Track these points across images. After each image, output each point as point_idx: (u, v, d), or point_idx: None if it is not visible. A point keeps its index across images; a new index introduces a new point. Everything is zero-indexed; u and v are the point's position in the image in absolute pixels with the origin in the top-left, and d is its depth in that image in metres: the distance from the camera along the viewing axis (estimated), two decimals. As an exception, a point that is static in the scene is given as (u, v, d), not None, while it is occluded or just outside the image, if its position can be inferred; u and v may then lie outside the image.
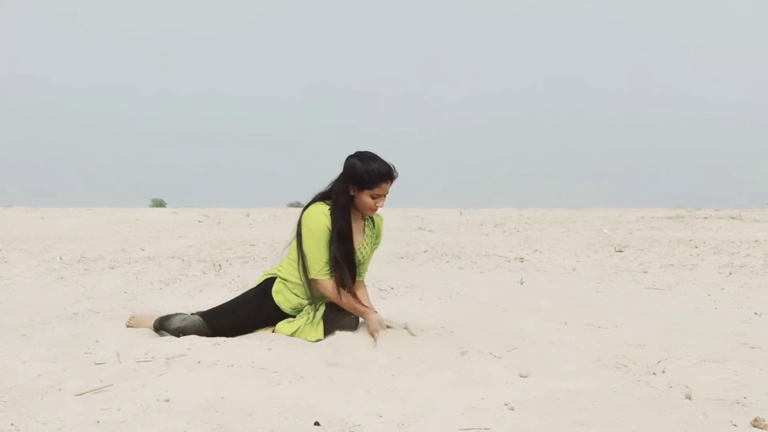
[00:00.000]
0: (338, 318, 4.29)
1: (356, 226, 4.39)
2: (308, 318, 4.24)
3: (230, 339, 4.04)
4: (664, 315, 5.57)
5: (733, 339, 4.55)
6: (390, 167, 4.25)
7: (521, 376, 3.56)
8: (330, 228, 4.24)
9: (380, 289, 6.33)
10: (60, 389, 3.24)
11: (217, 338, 4.04)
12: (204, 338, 4.03)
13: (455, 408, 3.08)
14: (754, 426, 2.95)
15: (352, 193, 4.26)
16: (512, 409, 3.08)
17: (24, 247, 10.50)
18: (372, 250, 4.53)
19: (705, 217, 16.75)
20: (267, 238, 12.26)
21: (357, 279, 4.45)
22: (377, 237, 4.55)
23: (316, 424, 2.88)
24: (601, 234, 13.36)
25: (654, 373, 3.65)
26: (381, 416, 2.98)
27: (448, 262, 9.23)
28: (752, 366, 3.81)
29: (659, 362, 3.84)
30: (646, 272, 8.38)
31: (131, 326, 4.50)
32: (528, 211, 21.97)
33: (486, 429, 2.89)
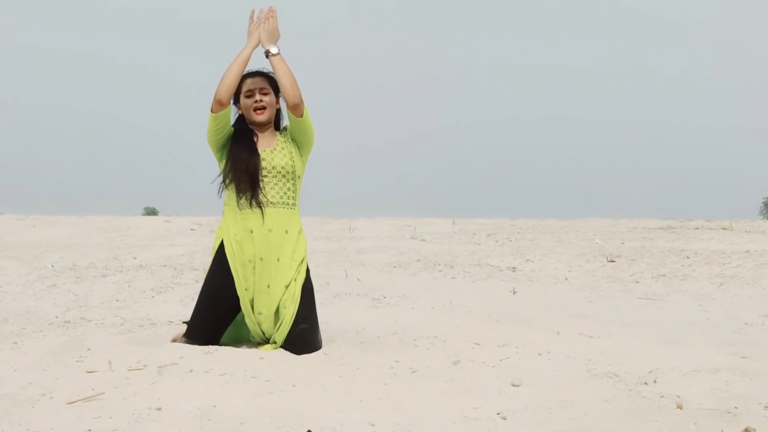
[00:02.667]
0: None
1: (265, 138, 4.25)
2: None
3: (222, 348, 4.02)
4: (656, 325, 5.58)
5: (724, 349, 4.56)
6: (250, 71, 4.22)
7: (513, 386, 3.56)
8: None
9: (373, 299, 6.34)
10: (51, 397, 3.23)
11: (210, 347, 4.03)
12: (196, 347, 4.02)
13: (448, 417, 3.09)
14: (746, 436, 2.96)
15: (240, 109, 4.24)
16: (504, 419, 3.09)
17: (15, 254, 10.46)
18: (292, 159, 4.22)
19: (696, 228, 16.78)
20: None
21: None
22: (297, 134, 4.24)
23: (309, 433, 2.88)
24: (594, 244, 13.37)
25: (645, 383, 3.65)
26: (373, 425, 2.98)
27: (440, 271, 9.23)
28: (743, 376, 3.82)
29: (651, 372, 3.84)
30: (637, 282, 8.40)
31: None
32: (520, 221, 21.97)
33: (478, 438, 2.89)
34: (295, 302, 4.09)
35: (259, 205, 4.10)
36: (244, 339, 4.28)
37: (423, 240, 14.26)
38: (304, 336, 4.07)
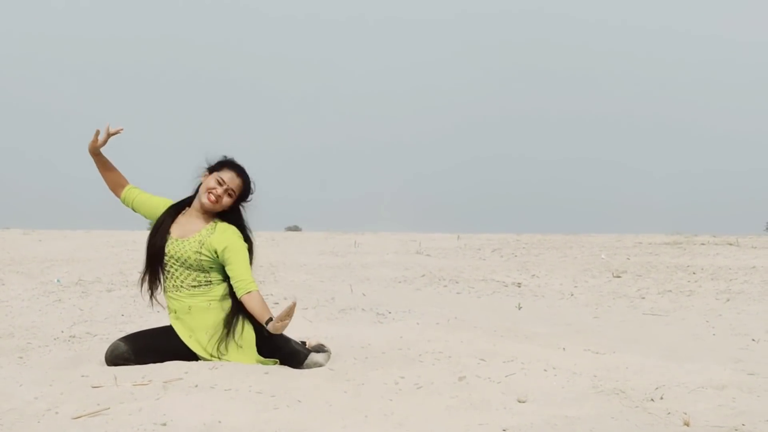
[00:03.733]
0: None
1: (194, 220, 4.25)
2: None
3: (228, 363, 4.03)
4: (662, 341, 5.56)
5: (730, 365, 4.54)
6: (243, 168, 4.29)
7: (519, 402, 3.55)
8: (163, 208, 4.33)
9: (378, 314, 6.33)
10: (57, 412, 3.23)
11: (215, 362, 4.04)
12: (201, 362, 4.03)
13: (453, 433, 3.08)
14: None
15: (201, 179, 4.25)
16: (510, 435, 3.08)
17: (21, 269, 10.48)
18: (198, 254, 4.16)
19: (702, 243, 16.74)
20: (265, 261, 12.26)
21: (237, 293, 4.15)
22: (219, 248, 4.15)
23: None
24: (599, 259, 13.34)
25: (652, 400, 3.64)
26: (378, 441, 2.97)
27: (445, 286, 9.23)
28: (750, 393, 3.81)
29: (657, 388, 3.83)
30: (643, 298, 8.38)
31: None
32: (525, 236, 21.94)
33: (484, 455, 2.88)
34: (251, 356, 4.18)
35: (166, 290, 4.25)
36: None
37: (428, 255, 14.26)
38: (285, 361, 4.17)
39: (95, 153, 4.33)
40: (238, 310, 4.18)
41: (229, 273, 4.19)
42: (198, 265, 4.16)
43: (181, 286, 4.19)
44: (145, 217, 4.41)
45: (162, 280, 4.26)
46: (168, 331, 4.23)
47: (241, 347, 4.15)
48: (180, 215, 4.29)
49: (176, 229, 4.23)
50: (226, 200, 4.20)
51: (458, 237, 20.39)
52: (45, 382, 3.72)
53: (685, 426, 3.23)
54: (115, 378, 3.68)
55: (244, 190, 4.26)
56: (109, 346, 4.15)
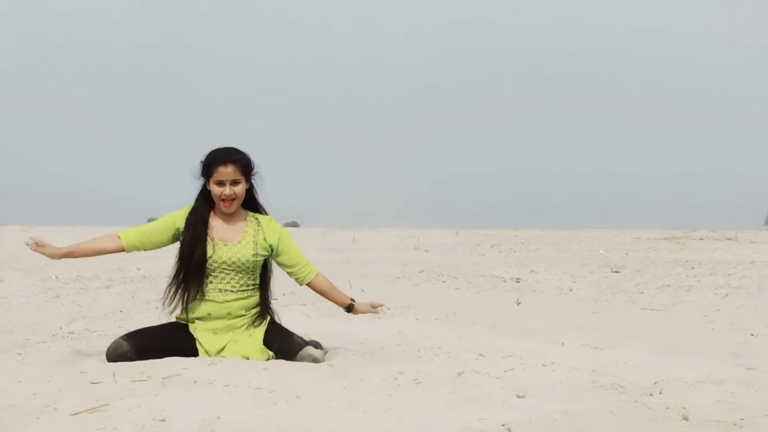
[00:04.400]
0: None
1: (227, 224, 4.21)
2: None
3: (227, 359, 4.03)
4: (661, 336, 5.57)
5: (729, 360, 4.55)
6: (227, 151, 4.15)
7: (518, 397, 3.55)
8: (176, 221, 4.20)
9: (377, 309, 6.33)
10: (56, 408, 3.22)
11: (214, 358, 4.03)
12: (200, 358, 4.03)
13: (452, 429, 3.08)
14: (751, 447, 2.95)
15: (208, 187, 4.17)
16: (509, 430, 3.08)
17: (20, 266, 10.49)
18: (255, 253, 4.19)
19: (701, 239, 16.78)
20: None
21: (303, 276, 4.32)
22: (273, 242, 4.25)
23: (313, 444, 2.87)
24: (598, 255, 13.37)
25: (651, 395, 3.64)
26: (377, 437, 2.97)
27: (444, 282, 9.24)
28: (749, 387, 3.81)
29: (656, 383, 3.84)
30: (642, 293, 8.39)
31: None
32: (524, 231, 21.98)
33: (483, 450, 2.88)
34: (256, 350, 4.15)
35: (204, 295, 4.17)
36: None
37: (426, 251, 14.28)
38: (280, 351, 4.13)
39: (64, 255, 4.23)
40: (266, 310, 4.25)
41: (287, 261, 4.28)
42: (253, 267, 4.18)
43: (230, 290, 4.16)
44: (161, 245, 4.29)
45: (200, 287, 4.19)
46: (172, 329, 4.23)
47: (251, 336, 4.16)
48: (210, 220, 4.21)
49: (216, 233, 4.17)
50: (239, 190, 4.13)
51: (457, 233, 20.42)
52: (44, 378, 3.71)
53: (684, 420, 3.23)
54: (114, 374, 3.67)
55: (244, 168, 4.15)
56: (111, 344, 4.12)
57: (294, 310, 5.81)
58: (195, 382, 3.55)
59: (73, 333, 5.35)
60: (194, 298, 4.17)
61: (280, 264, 4.32)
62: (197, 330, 4.17)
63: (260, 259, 4.19)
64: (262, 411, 3.19)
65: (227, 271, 4.15)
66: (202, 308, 4.17)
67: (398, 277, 9.67)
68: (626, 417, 3.28)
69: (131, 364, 3.94)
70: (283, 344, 4.13)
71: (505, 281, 9.44)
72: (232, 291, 4.16)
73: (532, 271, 10.66)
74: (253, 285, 4.23)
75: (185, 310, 4.21)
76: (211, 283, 4.16)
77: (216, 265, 4.14)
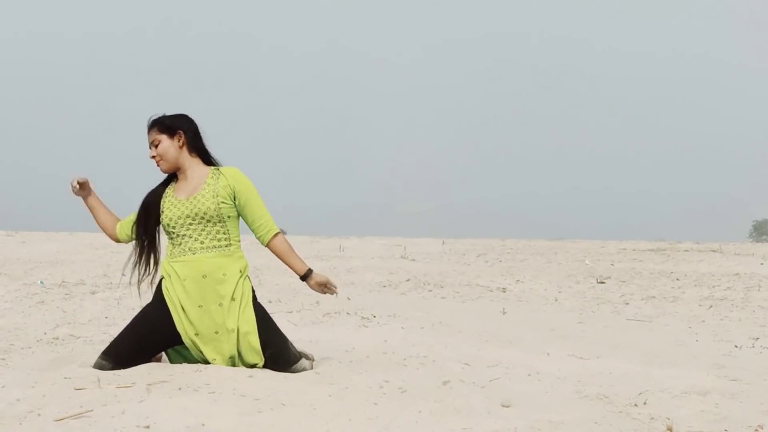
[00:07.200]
0: None
1: (189, 181, 4.23)
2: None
3: (212, 366, 4.01)
4: (646, 347, 5.59)
5: (713, 371, 4.57)
6: (149, 119, 4.28)
7: (503, 407, 3.56)
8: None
9: (362, 317, 6.33)
10: (39, 414, 3.21)
11: (199, 365, 4.02)
12: (187, 365, 4.01)
13: (437, 437, 3.08)
14: (735, 458, 2.96)
15: None
16: (494, 440, 3.08)
17: (4, 271, 10.43)
18: (217, 202, 4.14)
19: (686, 250, 16.85)
20: (250, 265, 12.22)
21: (261, 235, 4.25)
22: (234, 190, 4.18)
23: (298, 452, 2.87)
24: (583, 265, 13.40)
25: (635, 405, 3.66)
26: (363, 445, 2.97)
27: (430, 291, 9.24)
28: (733, 398, 3.83)
29: (640, 394, 3.85)
30: (627, 304, 8.42)
31: None
32: (510, 241, 22.02)
33: (468, 459, 2.89)
34: (251, 346, 4.07)
35: (176, 254, 4.16)
36: (192, 360, 4.18)
37: (413, 260, 14.28)
38: (276, 359, 4.07)
39: (90, 206, 4.38)
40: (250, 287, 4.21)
41: (248, 215, 4.21)
42: (218, 215, 4.11)
43: (201, 248, 4.11)
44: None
45: (157, 252, 4.27)
46: (146, 321, 4.13)
47: (234, 329, 4.06)
48: (173, 185, 4.27)
49: (178, 194, 4.21)
50: (160, 150, 4.18)
51: (443, 242, 20.43)
52: (27, 383, 3.69)
53: (669, 431, 3.24)
54: (99, 380, 3.66)
55: (162, 127, 4.21)
56: (93, 366, 4.03)
57: (281, 317, 5.79)
58: (180, 389, 3.54)
59: (57, 339, 5.32)
60: (155, 266, 4.27)
61: (244, 219, 4.24)
62: (176, 300, 4.09)
63: (224, 207, 4.12)
64: (247, 419, 3.18)
65: (193, 226, 4.11)
66: (181, 266, 4.10)
67: (384, 286, 9.67)
68: (611, 427, 3.29)
69: (116, 370, 3.93)
70: (278, 351, 4.08)
71: (490, 291, 9.46)
72: (202, 248, 4.11)
73: (518, 280, 10.69)
74: (225, 239, 4.15)
75: (164, 274, 4.17)
76: (180, 244, 4.13)
77: (181, 221, 4.12)
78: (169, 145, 4.19)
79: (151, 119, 4.25)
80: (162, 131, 4.20)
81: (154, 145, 4.20)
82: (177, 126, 4.22)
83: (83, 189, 4.31)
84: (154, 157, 4.21)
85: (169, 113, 4.29)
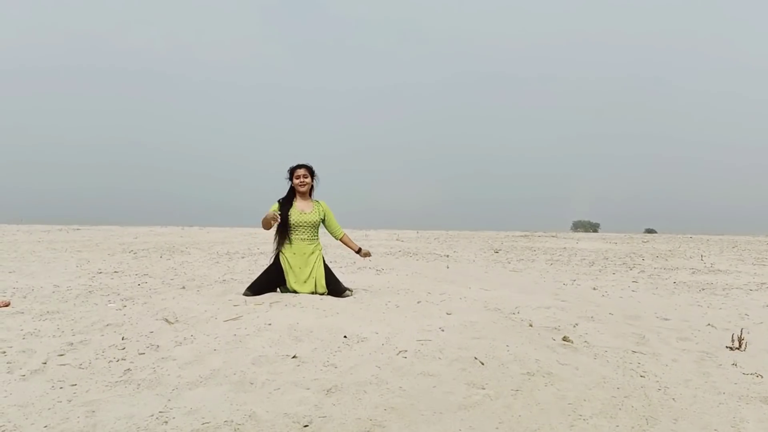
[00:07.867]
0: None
1: (304, 203, 4.10)
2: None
3: (301, 294, 3.96)
4: (519, 284, 5.56)
5: (552, 296, 4.55)
6: (299, 164, 4.10)
7: (447, 314, 3.55)
8: (276, 207, 4.08)
9: (377, 270, 6.31)
10: (215, 317, 3.22)
11: (296, 293, 3.97)
12: (289, 294, 3.97)
13: (414, 329, 3.07)
14: (564, 340, 2.95)
15: (291, 183, 4.12)
16: (443, 330, 3.08)
17: (198, 246, 10.42)
18: (318, 218, 4.08)
19: (539, 236, 16.73)
20: (323, 244, 12.19)
21: (336, 235, 4.17)
22: (324, 213, 4.14)
23: (345, 337, 2.87)
24: (488, 243, 13.34)
25: (513, 313, 3.64)
26: (377, 333, 2.96)
27: (411, 257, 9.19)
28: (562, 311, 3.81)
29: (516, 308, 3.83)
30: (509, 262, 8.36)
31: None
32: (452, 232, 21.90)
33: (429, 340, 2.88)
34: (321, 284, 4.00)
35: (292, 242, 4.03)
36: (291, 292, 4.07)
37: (402, 241, 14.22)
38: (334, 290, 4.04)
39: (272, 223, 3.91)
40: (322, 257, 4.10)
41: (329, 224, 4.16)
42: (317, 224, 4.09)
43: (307, 238, 4.05)
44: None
45: (289, 236, 4.07)
46: (270, 272, 4.03)
47: (315, 278, 4.01)
48: (295, 202, 4.11)
49: (298, 207, 4.08)
50: (308, 181, 4.09)
51: (417, 232, 20.35)
52: (209, 302, 3.70)
53: (530, 326, 3.23)
54: (245, 301, 3.66)
55: (311, 170, 4.14)
56: (243, 293, 3.99)
57: (336, 269, 5.77)
58: (286, 305, 3.54)
59: (225, 281, 5.32)
60: (288, 242, 4.05)
61: (325, 225, 4.19)
62: (288, 264, 3.98)
63: (320, 220, 4.12)
64: (320, 321, 3.18)
65: (304, 228, 4.05)
66: (293, 249, 4.03)
67: (388, 254, 9.63)
68: (501, 324, 3.27)
69: (255, 296, 3.92)
70: (334, 286, 4.06)
71: (441, 256, 9.41)
72: (308, 239, 4.06)
73: (455, 251, 10.63)
74: (317, 236, 4.13)
75: (282, 250, 4.05)
76: (296, 234, 4.05)
77: (299, 223, 4.05)
78: (310, 181, 4.13)
79: (307, 163, 4.13)
80: (311, 173, 4.13)
81: (305, 176, 4.07)
82: (314, 174, 4.17)
83: (275, 220, 4.00)
84: (302, 182, 4.06)
85: (309, 163, 4.15)
